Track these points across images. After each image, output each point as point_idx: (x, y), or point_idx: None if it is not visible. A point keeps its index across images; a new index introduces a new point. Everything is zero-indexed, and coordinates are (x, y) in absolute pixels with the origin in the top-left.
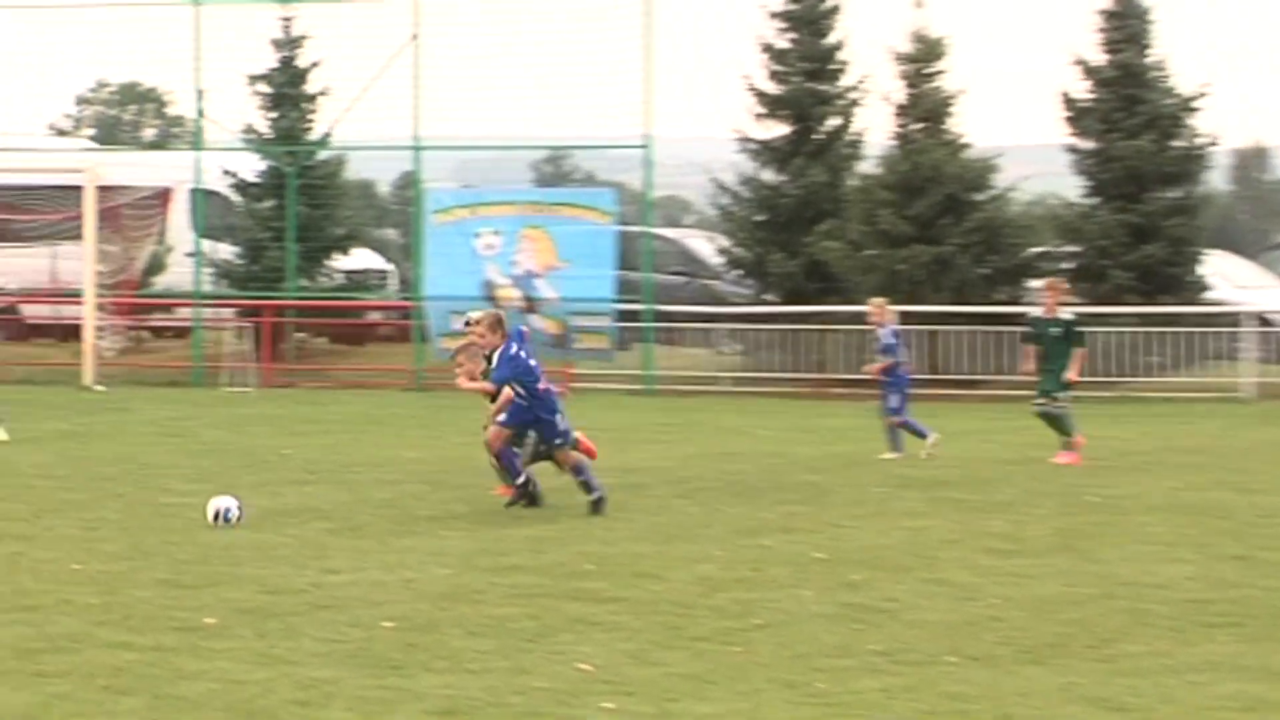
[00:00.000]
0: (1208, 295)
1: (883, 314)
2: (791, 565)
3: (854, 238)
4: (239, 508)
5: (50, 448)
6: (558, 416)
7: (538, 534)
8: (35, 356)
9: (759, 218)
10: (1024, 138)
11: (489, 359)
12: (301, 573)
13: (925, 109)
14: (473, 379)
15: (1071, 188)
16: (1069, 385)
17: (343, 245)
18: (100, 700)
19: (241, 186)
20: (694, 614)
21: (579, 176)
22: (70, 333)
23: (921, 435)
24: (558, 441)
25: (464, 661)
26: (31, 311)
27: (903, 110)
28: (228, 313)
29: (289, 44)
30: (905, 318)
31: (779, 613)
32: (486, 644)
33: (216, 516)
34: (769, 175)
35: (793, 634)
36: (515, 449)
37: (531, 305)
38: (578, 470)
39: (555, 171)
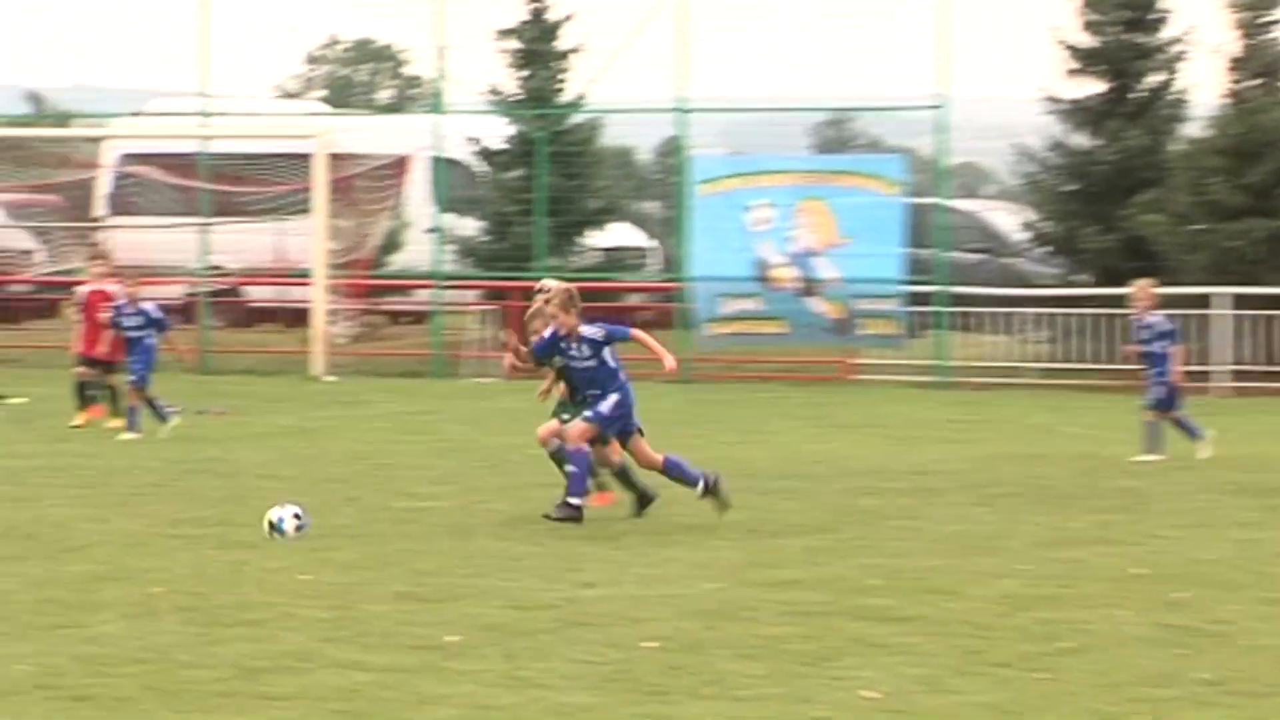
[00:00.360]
0: None
1: (1150, 298)
2: (1105, 581)
3: (1179, 210)
4: (295, 518)
5: (276, 445)
6: (613, 398)
7: (816, 544)
8: (259, 344)
9: (1069, 188)
10: None
11: (558, 343)
12: (553, 586)
13: (1262, 63)
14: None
15: None
16: None
17: (598, 220)
18: None
19: (486, 154)
20: (994, 636)
21: (864, 141)
22: (297, 318)
23: (1154, 448)
24: (589, 415)
25: (734, 687)
26: (256, 294)
27: (1236, 64)
28: (471, 295)
29: None
30: (1238, 301)
31: (1091, 635)
32: (759, 668)
33: (296, 518)
34: (1080, 139)
35: (1107, 660)
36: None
37: (810, 287)
38: (618, 474)
39: (837, 136)
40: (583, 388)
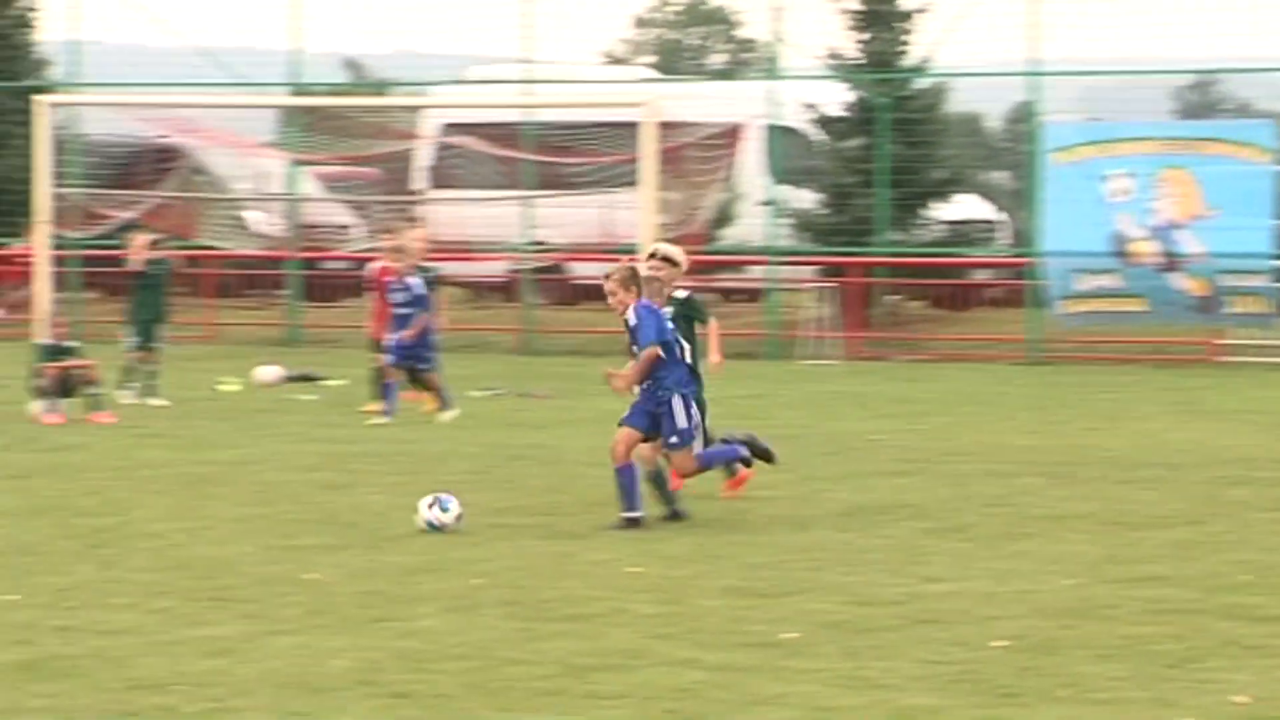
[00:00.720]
0: None
1: None
2: None
3: None
4: (444, 508)
5: (601, 431)
6: (677, 405)
7: (1180, 538)
8: (585, 324)
9: None
10: None
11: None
12: (895, 581)
13: None
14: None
15: None
16: None
17: (943, 191)
18: None
19: (824, 122)
20: None
21: (1230, 106)
22: None
23: None
24: (673, 440)
25: (1091, 690)
26: (581, 271)
27: None
28: (807, 271)
29: None
30: None
31: None
32: (1119, 669)
33: (433, 507)
34: None
35: None
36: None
37: (1172, 262)
38: (652, 479)
39: (1201, 100)
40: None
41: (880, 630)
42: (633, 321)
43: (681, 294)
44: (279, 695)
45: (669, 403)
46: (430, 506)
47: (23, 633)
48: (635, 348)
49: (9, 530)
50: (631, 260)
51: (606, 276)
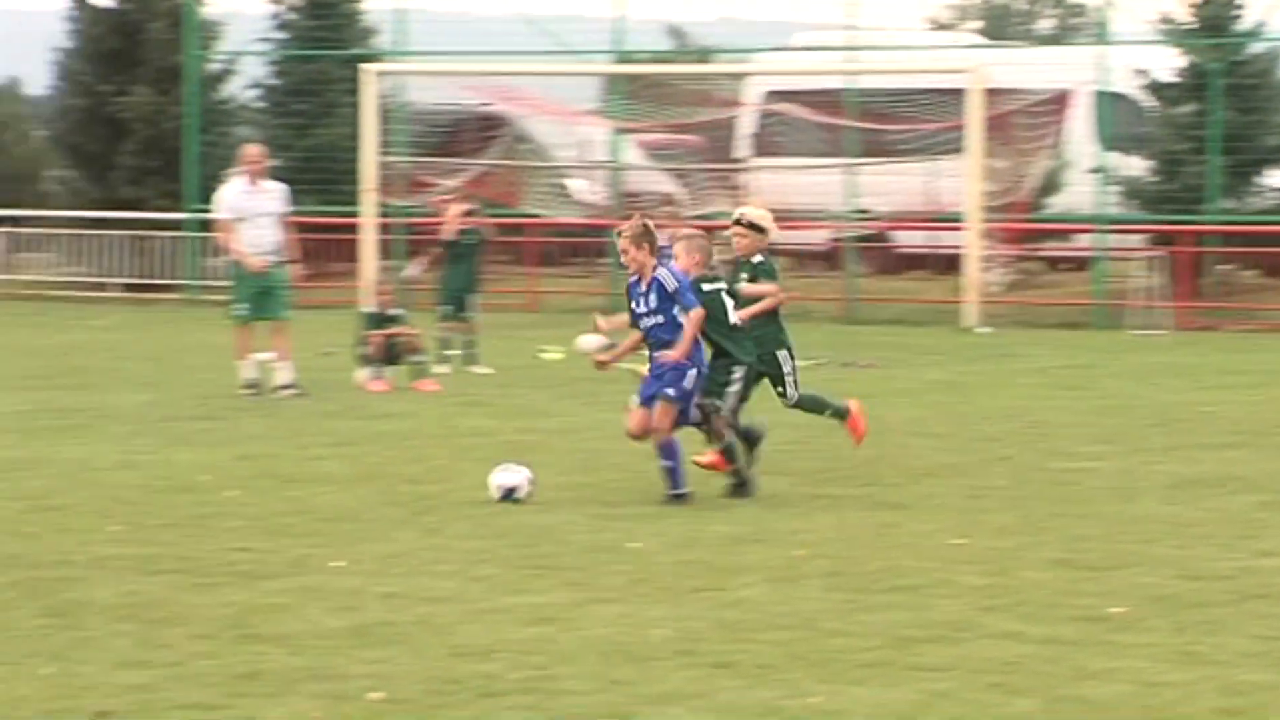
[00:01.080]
0: None
1: None
2: None
3: None
4: (528, 482)
5: (926, 400)
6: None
7: None
8: (908, 292)
9: None
10: None
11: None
12: (1227, 555)
13: None
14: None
15: None
16: None
17: (1278, 158)
18: (988, 700)
19: (1155, 88)
20: None
21: None
22: (948, 264)
23: None
24: (670, 393)
25: None
26: (904, 239)
27: None
28: (1135, 240)
29: None
30: None
31: None
32: None
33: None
34: None
35: None
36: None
37: None
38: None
39: None
40: (649, 347)
41: (1211, 605)
42: (670, 285)
43: (758, 258)
44: (601, 664)
45: (687, 370)
46: (501, 497)
47: (349, 599)
48: (652, 314)
49: (335, 497)
50: (644, 217)
51: (619, 234)
